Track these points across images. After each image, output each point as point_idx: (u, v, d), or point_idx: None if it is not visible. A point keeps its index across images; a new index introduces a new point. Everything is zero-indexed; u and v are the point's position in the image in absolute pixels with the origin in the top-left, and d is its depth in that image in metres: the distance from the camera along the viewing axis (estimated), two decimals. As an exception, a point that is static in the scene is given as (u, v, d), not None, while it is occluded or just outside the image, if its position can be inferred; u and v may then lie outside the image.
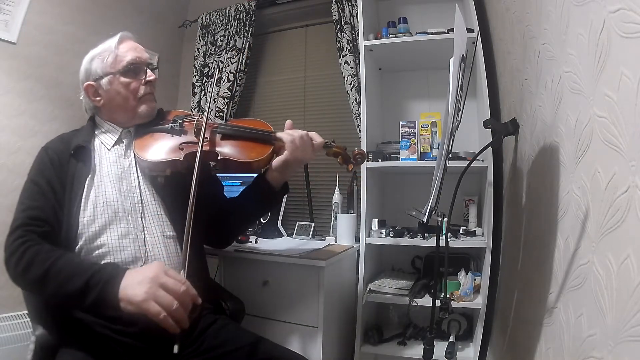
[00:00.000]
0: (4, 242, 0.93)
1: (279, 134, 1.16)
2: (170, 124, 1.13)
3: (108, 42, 1.13)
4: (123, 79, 1.10)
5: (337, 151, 1.27)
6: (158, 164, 1.07)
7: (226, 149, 1.12)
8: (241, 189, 1.97)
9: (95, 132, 1.14)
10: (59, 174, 1.03)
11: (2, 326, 1.63)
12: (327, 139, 1.25)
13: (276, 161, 1.13)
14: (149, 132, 1.13)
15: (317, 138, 1.19)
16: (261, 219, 1.92)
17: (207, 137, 1.11)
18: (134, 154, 1.09)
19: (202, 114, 2.39)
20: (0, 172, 1.74)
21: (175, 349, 0.81)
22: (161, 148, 1.09)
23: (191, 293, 0.85)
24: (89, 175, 1.04)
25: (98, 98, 1.12)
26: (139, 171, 1.09)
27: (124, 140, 1.13)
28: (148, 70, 1.14)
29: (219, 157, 1.10)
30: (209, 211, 1.17)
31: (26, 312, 1.56)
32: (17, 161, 1.78)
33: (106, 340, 0.95)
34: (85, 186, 1.02)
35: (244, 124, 1.19)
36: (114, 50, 1.11)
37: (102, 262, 0.97)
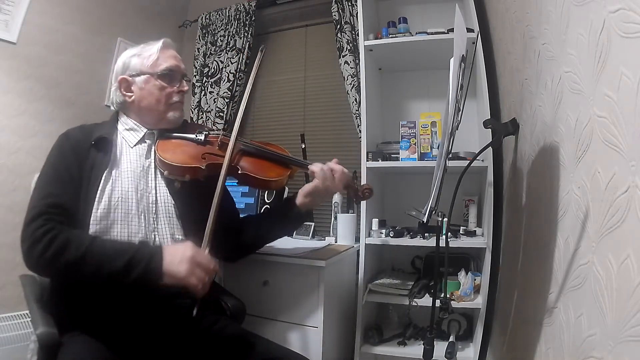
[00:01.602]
0: (22, 232, 0.92)
1: (312, 167, 1.22)
2: (196, 134, 1.17)
3: (151, 44, 1.16)
4: (159, 82, 1.12)
5: (349, 184, 1.29)
6: (179, 168, 1.09)
7: (247, 165, 1.18)
8: (242, 189, 1.99)
9: (118, 128, 1.14)
10: (79, 162, 1.03)
11: (2, 326, 1.63)
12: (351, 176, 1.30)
13: (308, 187, 1.22)
14: (173, 137, 1.16)
15: (346, 172, 1.25)
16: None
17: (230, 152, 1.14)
18: (155, 155, 1.10)
19: (204, 114, 2.40)
20: (0, 172, 1.74)
21: (195, 311, 0.99)
22: (184, 154, 1.12)
23: (216, 268, 1.00)
24: (108, 168, 1.04)
25: (130, 94, 1.13)
26: (157, 173, 1.10)
27: (147, 141, 1.13)
28: (183, 81, 1.17)
29: (239, 172, 1.16)
30: (221, 223, 1.18)
31: (26, 312, 1.56)
32: (17, 161, 1.78)
33: (114, 326, 0.96)
34: (103, 178, 1.02)
35: (265, 146, 1.25)
36: (157, 53, 1.13)
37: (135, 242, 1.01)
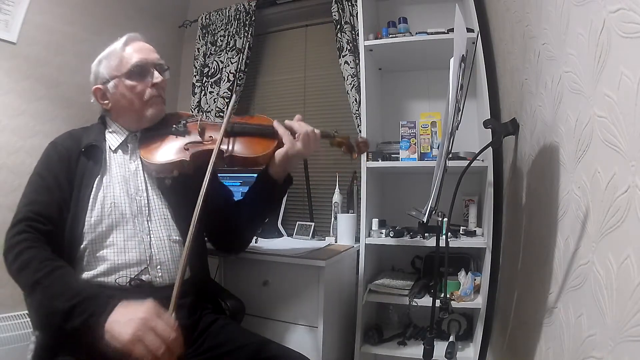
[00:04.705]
0: (5, 235, 0.92)
1: (276, 126, 1.15)
2: (174, 126, 1.14)
3: (115, 44, 1.11)
4: (128, 82, 1.08)
5: (341, 141, 1.28)
6: (165, 166, 1.07)
7: (232, 146, 1.13)
8: (241, 189, 1.99)
9: (105, 133, 1.13)
10: (68, 170, 1.02)
11: (2, 326, 1.63)
12: (330, 130, 1.26)
13: (277, 154, 1.13)
14: (153, 135, 1.13)
15: (317, 130, 1.18)
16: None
17: (211, 136, 1.12)
18: (140, 158, 1.09)
19: (203, 114, 2.40)
20: (0, 172, 1.74)
21: None
22: (167, 150, 1.10)
23: (180, 341, 0.82)
24: (99, 175, 1.03)
25: (106, 101, 1.12)
26: (145, 175, 1.09)
27: (129, 145, 1.12)
28: (155, 72, 1.12)
29: (224, 155, 1.11)
30: (217, 217, 1.16)
31: (26, 312, 1.56)
32: (17, 161, 1.78)
33: (102, 350, 0.93)
34: (94, 186, 1.02)
35: (247, 121, 1.20)
36: (120, 52, 1.09)
37: (98, 285, 0.94)
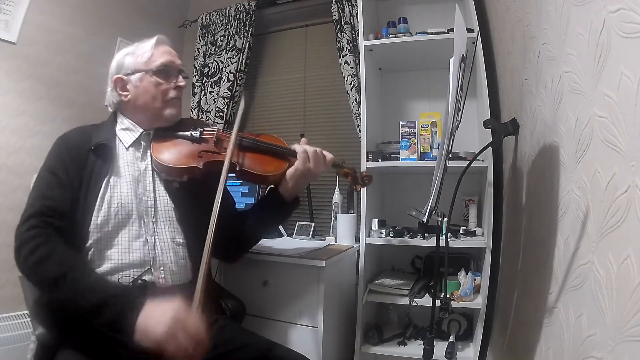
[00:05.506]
0: (15, 230, 0.91)
1: (293, 146, 1.19)
2: (191, 132, 1.14)
3: (145, 42, 1.15)
4: (154, 78, 1.10)
5: (347, 172, 1.31)
6: (176, 169, 1.07)
7: (245, 160, 1.15)
8: (241, 189, 1.99)
9: (116, 129, 1.13)
10: (78, 167, 1.01)
11: (2, 326, 1.63)
12: (338, 160, 1.30)
13: (288, 173, 1.16)
14: (168, 136, 1.13)
15: (328, 155, 1.23)
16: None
17: (226, 148, 1.12)
18: (151, 157, 1.09)
19: (203, 114, 2.40)
20: (0, 172, 1.74)
21: None
22: (180, 154, 1.10)
23: (207, 342, 0.84)
24: (108, 176, 1.03)
25: (125, 93, 1.12)
26: (155, 175, 1.09)
27: (142, 143, 1.12)
28: (180, 76, 1.15)
29: (237, 168, 1.12)
30: (222, 224, 1.17)
31: (26, 312, 1.56)
32: (17, 161, 1.78)
33: (106, 343, 0.94)
34: (103, 186, 1.01)
35: (262, 139, 1.21)
36: (151, 50, 1.12)
37: (125, 283, 0.96)
